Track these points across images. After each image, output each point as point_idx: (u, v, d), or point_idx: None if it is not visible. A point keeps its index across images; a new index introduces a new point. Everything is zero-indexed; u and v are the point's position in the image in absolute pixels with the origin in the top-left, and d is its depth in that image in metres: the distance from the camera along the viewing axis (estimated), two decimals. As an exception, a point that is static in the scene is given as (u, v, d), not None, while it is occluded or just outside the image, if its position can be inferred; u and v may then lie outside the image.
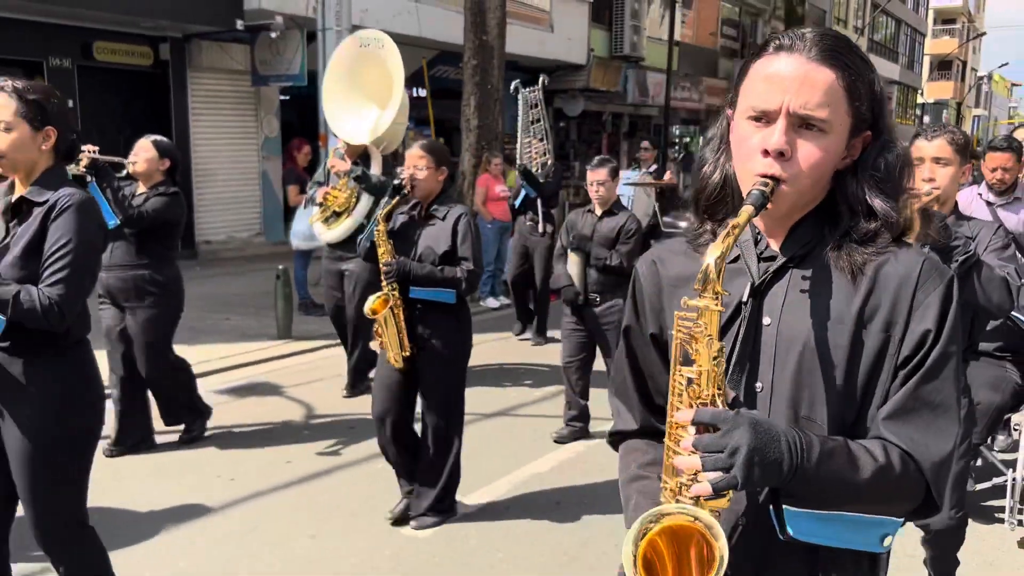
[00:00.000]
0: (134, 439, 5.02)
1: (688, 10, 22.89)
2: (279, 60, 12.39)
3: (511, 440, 5.40)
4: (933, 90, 51.59)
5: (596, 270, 5.31)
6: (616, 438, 1.61)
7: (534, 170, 8.90)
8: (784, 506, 1.25)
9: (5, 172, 2.66)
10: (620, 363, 1.58)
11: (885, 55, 40.88)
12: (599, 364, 5.53)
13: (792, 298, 1.35)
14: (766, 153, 1.29)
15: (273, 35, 11.36)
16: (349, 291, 6.21)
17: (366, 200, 6.18)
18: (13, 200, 2.65)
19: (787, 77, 1.29)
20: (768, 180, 1.29)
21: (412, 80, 15.41)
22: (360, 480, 4.66)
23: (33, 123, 2.62)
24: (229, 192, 13.24)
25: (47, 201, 2.61)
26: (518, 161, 9.31)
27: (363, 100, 6.69)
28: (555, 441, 5.38)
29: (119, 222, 4.67)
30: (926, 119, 51.07)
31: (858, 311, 1.31)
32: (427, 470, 4.05)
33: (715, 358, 1.25)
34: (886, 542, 1.30)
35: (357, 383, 6.28)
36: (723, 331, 1.32)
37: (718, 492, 1.18)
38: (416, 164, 3.95)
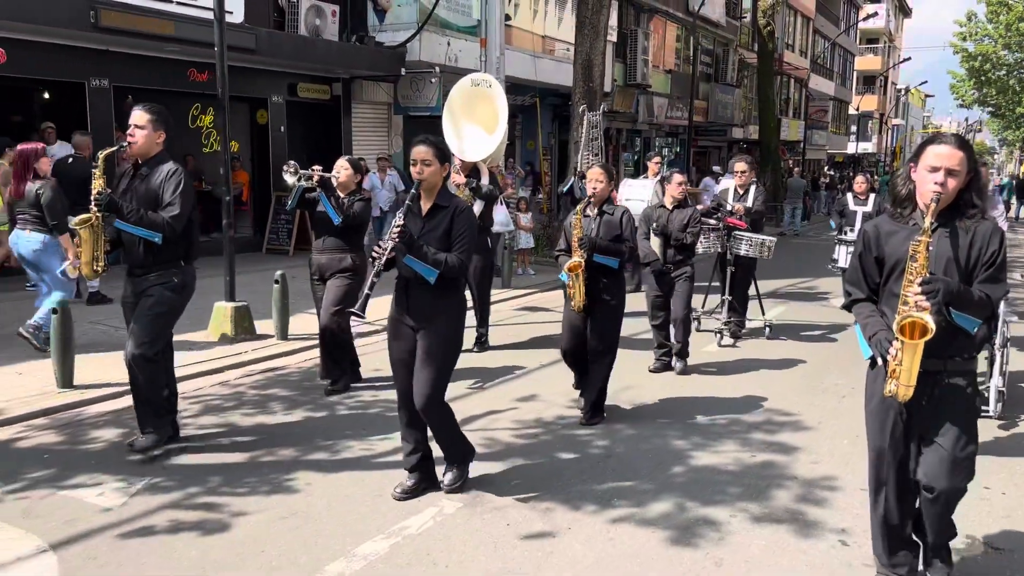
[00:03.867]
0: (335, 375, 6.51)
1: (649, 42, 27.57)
2: (418, 95, 16.53)
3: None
4: (861, 103, 57.44)
5: (673, 248, 7.30)
6: (851, 302, 3.45)
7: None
8: (951, 308, 3.09)
9: (425, 191, 4.25)
10: (854, 269, 3.43)
11: (823, 74, 46.50)
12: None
13: (940, 240, 3.18)
14: (936, 184, 3.14)
15: (433, 80, 15.54)
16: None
17: (478, 205, 7.41)
18: (426, 209, 4.29)
19: (944, 154, 3.14)
20: (938, 194, 3.12)
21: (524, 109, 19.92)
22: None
23: (441, 161, 4.27)
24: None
25: (449, 206, 4.28)
26: (578, 169, 12.09)
27: (474, 126, 8.06)
28: (651, 371, 7.27)
29: (340, 220, 6.17)
30: (853, 128, 57.04)
31: (968, 244, 3.17)
32: (593, 385, 5.82)
33: (925, 259, 3.05)
34: (975, 328, 3.16)
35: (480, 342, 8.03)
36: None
37: (932, 306, 2.99)
38: (598, 179, 5.74)
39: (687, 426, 5.79)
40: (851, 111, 55.59)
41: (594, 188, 5.74)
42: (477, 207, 7.39)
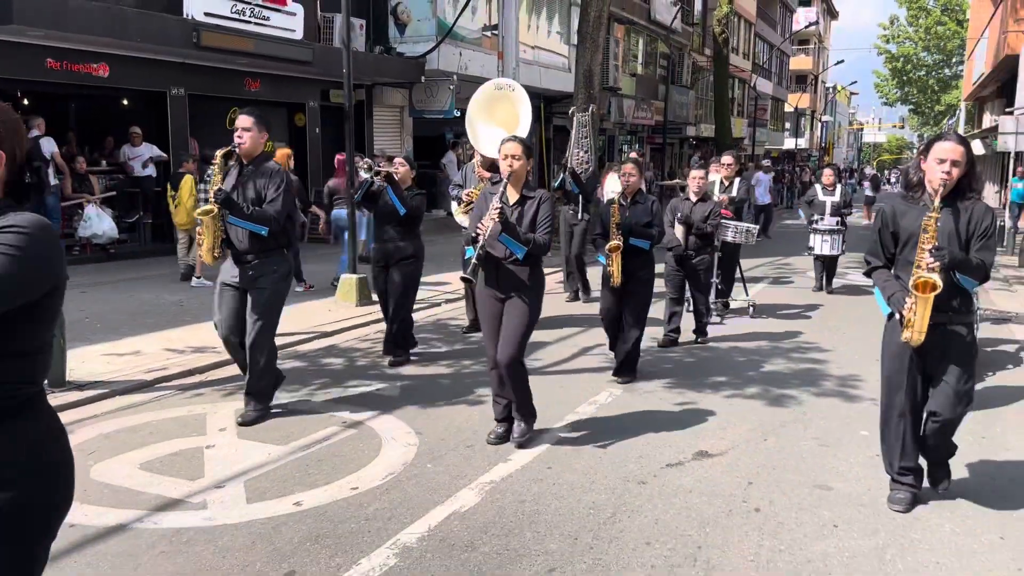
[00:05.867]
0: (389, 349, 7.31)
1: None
2: (432, 100, 18.50)
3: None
4: (794, 101, 61.03)
5: (695, 236, 8.11)
6: (871, 269, 4.19)
7: (580, 173, 11.63)
8: (956, 272, 3.89)
9: (513, 182, 4.96)
10: (874, 242, 4.16)
11: (762, 74, 49.61)
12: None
13: (945, 217, 3.91)
14: (943, 173, 3.90)
15: (451, 87, 17.53)
16: None
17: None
18: (514, 199, 4.99)
19: (949, 148, 3.90)
20: (944, 181, 3.89)
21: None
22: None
23: (528, 157, 4.98)
24: (388, 188, 19.28)
25: (535, 195, 5.02)
26: (569, 166, 13.16)
27: (496, 126, 8.43)
28: (660, 345, 8.00)
29: (405, 211, 6.91)
30: (787, 124, 60.60)
31: (967, 220, 3.97)
32: (626, 345, 6.68)
33: (934, 232, 3.80)
34: (975, 288, 4.09)
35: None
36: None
37: (940, 268, 3.76)
38: (631, 172, 6.65)
39: (743, 351, 8.01)
40: (787, 109, 59.07)
41: (627, 181, 6.71)
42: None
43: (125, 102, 14.40)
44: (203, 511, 4.14)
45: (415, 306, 8.56)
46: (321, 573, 3.53)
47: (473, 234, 4.88)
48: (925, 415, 4.26)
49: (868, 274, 4.29)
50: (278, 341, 7.85)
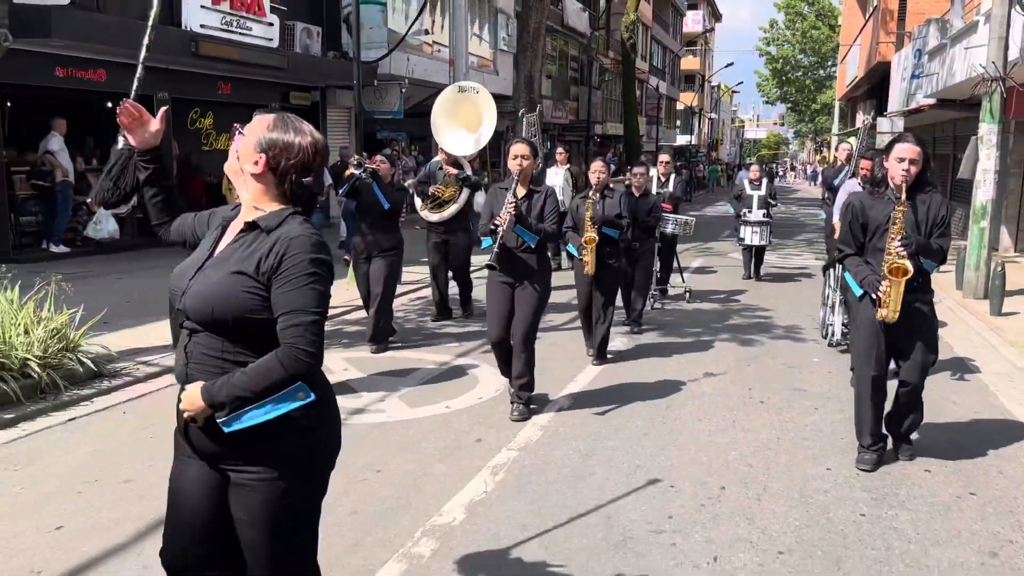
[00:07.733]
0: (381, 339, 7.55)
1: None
2: (381, 101, 19.95)
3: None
4: (686, 100, 64.62)
5: (639, 228, 8.51)
6: (842, 256, 4.70)
7: None
8: (921, 257, 4.38)
9: (522, 181, 5.53)
10: (845, 232, 4.70)
11: (657, 74, 52.67)
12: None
13: (908, 208, 4.37)
14: (903, 171, 4.39)
15: (403, 90, 19.02)
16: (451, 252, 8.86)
17: (466, 193, 8.73)
18: (522, 193, 5.52)
19: (907, 148, 4.40)
20: (905, 178, 4.37)
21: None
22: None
23: (535, 156, 5.61)
24: (339, 184, 20.60)
25: (541, 190, 5.65)
26: None
27: (459, 126, 9.06)
28: (633, 332, 8.52)
29: (389, 205, 7.37)
30: (678, 122, 64.17)
31: (926, 211, 4.49)
32: (604, 326, 7.30)
33: (902, 223, 4.32)
34: (933, 269, 4.59)
35: (466, 306, 9.36)
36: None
37: (908, 255, 4.30)
38: (600, 170, 7.10)
39: (704, 316, 9.99)
40: (678, 107, 62.58)
41: (597, 177, 7.23)
42: (465, 194, 8.75)
43: (109, 104, 15.31)
44: (383, 413, 5.76)
45: (415, 286, 10.15)
46: (497, 439, 5.24)
47: (491, 227, 5.49)
48: (896, 383, 4.84)
49: (841, 261, 4.86)
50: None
